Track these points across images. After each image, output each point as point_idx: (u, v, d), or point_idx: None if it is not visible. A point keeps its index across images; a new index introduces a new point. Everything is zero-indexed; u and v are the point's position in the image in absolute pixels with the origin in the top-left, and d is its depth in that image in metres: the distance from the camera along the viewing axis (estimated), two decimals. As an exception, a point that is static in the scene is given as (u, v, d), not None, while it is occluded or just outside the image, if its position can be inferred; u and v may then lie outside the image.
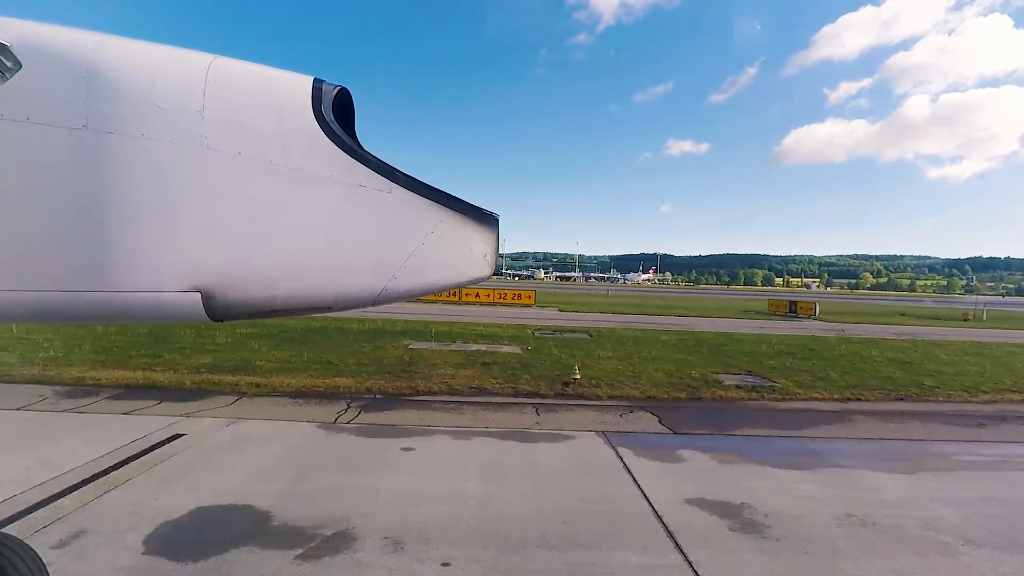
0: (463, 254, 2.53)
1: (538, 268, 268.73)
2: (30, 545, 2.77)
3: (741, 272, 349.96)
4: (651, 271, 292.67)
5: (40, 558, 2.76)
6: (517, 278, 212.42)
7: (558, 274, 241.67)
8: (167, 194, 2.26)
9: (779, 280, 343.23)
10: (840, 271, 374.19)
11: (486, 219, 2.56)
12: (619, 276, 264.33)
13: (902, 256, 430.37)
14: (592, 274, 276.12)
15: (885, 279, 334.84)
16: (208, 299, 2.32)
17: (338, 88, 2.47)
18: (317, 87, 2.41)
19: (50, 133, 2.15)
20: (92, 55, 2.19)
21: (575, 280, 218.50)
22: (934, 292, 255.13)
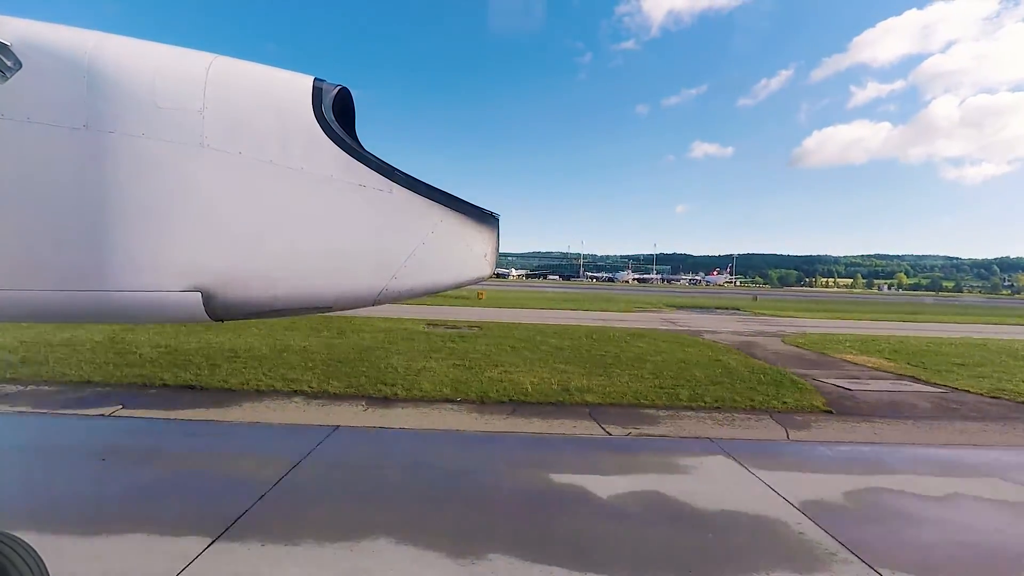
0: (464, 254, 2.56)
1: (624, 270, 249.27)
2: (30, 543, 2.82)
3: (773, 273, 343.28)
4: (714, 272, 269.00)
5: (40, 557, 2.81)
6: (595, 280, 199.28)
7: (635, 276, 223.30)
8: (167, 194, 2.30)
9: (811, 280, 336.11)
10: (869, 271, 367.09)
11: (486, 219, 2.59)
12: (699, 277, 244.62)
13: (924, 256, 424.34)
14: (670, 276, 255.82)
15: (927, 280, 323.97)
16: (208, 299, 2.37)
17: (338, 88, 2.50)
18: (317, 86, 2.44)
19: (50, 133, 2.19)
20: (92, 54, 2.24)
21: (654, 282, 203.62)
22: (979, 292, 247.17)
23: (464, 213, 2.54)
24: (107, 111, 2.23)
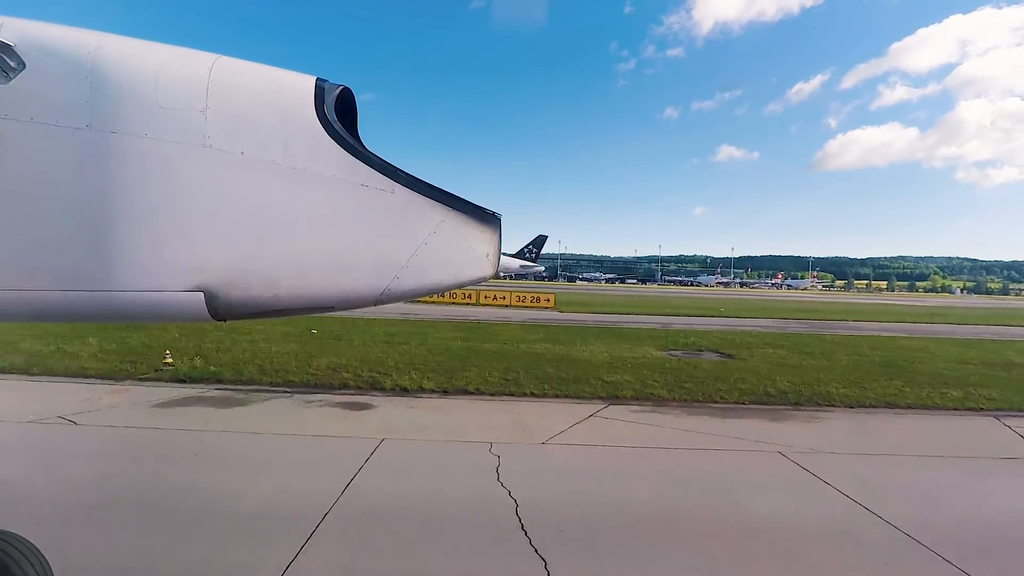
0: (466, 254, 2.55)
1: (712, 275, 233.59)
2: (33, 542, 2.85)
3: (802, 275, 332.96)
4: (778, 276, 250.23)
5: (43, 555, 2.84)
6: (671, 284, 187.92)
7: (720, 281, 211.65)
8: (170, 194, 2.32)
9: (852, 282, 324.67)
10: (900, 274, 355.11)
11: (488, 219, 2.57)
12: (778, 281, 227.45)
13: (950, 258, 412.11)
14: (746, 280, 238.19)
15: (971, 283, 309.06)
16: (211, 298, 2.37)
17: (340, 87, 2.50)
18: (319, 86, 2.44)
19: (53, 133, 2.22)
20: (95, 55, 2.26)
21: (733, 286, 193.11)
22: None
23: (466, 213, 2.53)
24: (110, 111, 2.25)
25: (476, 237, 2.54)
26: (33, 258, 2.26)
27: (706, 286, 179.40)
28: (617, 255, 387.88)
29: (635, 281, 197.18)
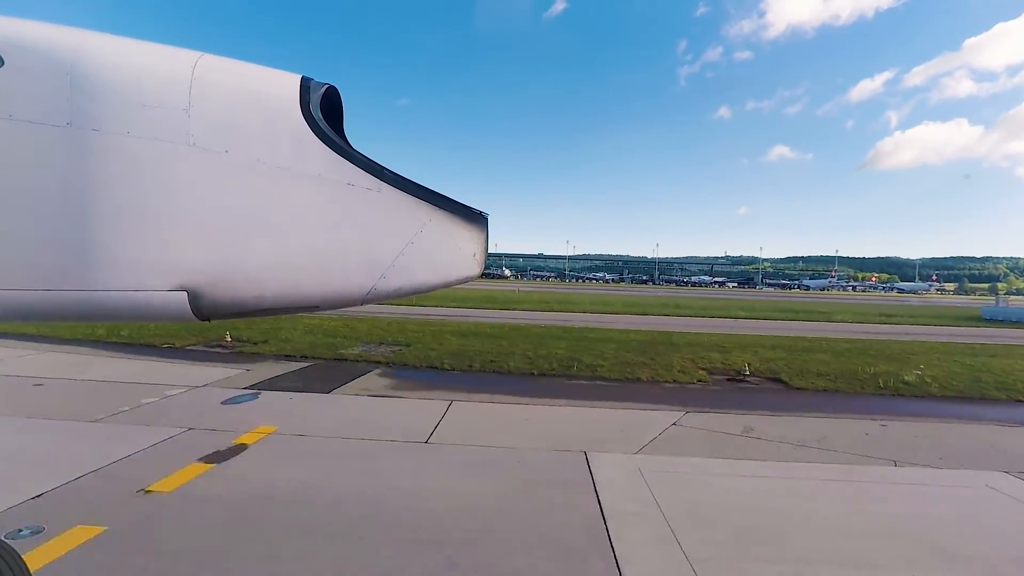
0: (453, 253, 2.51)
1: (823, 277, 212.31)
2: (12, 546, 2.87)
3: (860, 275, 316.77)
4: (872, 278, 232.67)
5: (22, 559, 2.85)
6: (773, 288, 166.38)
7: (831, 284, 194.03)
8: (153, 192, 2.30)
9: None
10: (962, 275, 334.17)
11: (475, 218, 2.53)
12: (879, 284, 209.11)
13: (1016, 258, 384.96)
14: (848, 284, 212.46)
15: None
16: (195, 298, 2.36)
17: (326, 86, 2.48)
18: (305, 85, 2.41)
19: (34, 131, 2.21)
20: (76, 52, 2.25)
21: (836, 289, 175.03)
22: None
23: (453, 212, 2.49)
24: (91, 109, 2.23)
25: (463, 236, 2.50)
26: (12, 257, 2.27)
27: (810, 290, 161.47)
28: (706, 255, 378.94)
29: (735, 284, 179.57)
